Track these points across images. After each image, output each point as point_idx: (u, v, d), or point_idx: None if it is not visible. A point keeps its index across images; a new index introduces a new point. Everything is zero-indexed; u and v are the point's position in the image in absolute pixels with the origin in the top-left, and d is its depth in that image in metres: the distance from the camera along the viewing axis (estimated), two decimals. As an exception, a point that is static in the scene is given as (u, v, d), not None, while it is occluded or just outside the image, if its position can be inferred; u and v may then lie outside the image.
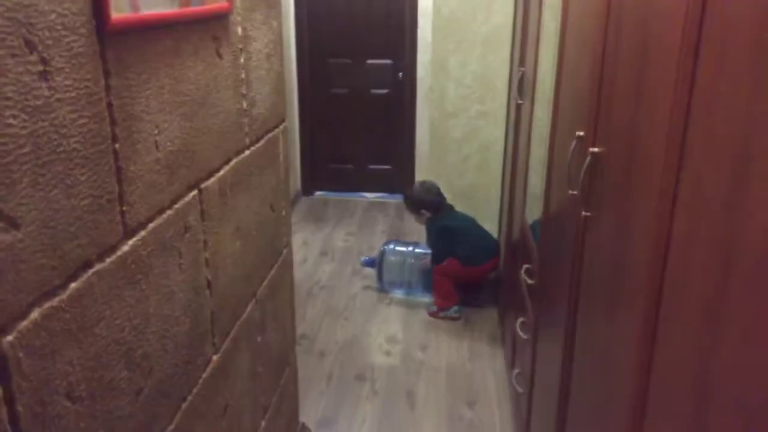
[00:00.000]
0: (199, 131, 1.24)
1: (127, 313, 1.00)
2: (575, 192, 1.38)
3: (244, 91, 1.50)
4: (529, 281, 2.11)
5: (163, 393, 1.14)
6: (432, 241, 3.28)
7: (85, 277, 0.88)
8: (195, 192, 1.25)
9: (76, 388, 0.87)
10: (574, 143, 1.42)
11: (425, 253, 3.37)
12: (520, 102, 2.68)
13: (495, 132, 3.29)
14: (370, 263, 3.52)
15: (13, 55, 0.72)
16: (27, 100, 0.74)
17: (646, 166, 0.95)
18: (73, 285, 0.85)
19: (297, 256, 3.90)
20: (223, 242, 1.41)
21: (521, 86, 2.64)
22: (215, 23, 1.29)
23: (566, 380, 1.52)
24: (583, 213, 1.32)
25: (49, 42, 0.78)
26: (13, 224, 0.73)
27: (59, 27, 0.79)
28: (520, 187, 2.61)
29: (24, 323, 0.76)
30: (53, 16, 0.78)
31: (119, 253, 0.97)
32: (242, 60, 1.48)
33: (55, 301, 0.81)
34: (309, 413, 2.41)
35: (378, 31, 4.77)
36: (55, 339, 0.82)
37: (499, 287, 3.22)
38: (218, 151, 1.35)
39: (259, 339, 1.73)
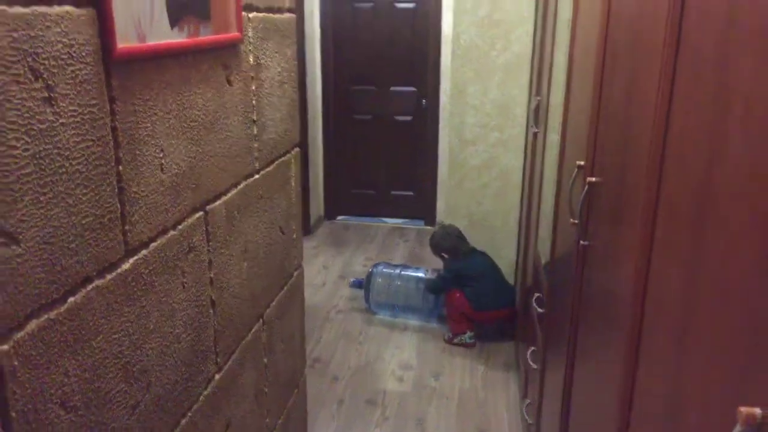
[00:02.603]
0: (207, 155, 1.29)
1: (126, 328, 1.04)
2: (575, 221, 1.39)
3: (255, 117, 1.56)
4: (539, 310, 2.10)
5: (162, 408, 1.17)
6: (444, 277, 3.28)
7: (84, 292, 0.92)
8: (200, 213, 1.29)
9: (71, 398, 0.90)
10: (575, 172, 1.43)
11: (415, 275, 3.44)
12: (535, 130, 2.69)
13: (513, 161, 3.30)
14: (358, 284, 3.60)
15: (18, 82, 0.77)
16: (31, 123, 0.79)
17: (631, 197, 0.97)
18: (71, 299, 0.90)
19: (316, 279, 3.94)
20: (229, 263, 1.45)
21: (537, 115, 2.66)
22: (225, 52, 1.35)
23: (566, 413, 1.51)
24: (581, 242, 1.33)
25: (55, 70, 0.83)
26: (13, 240, 0.78)
27: (65, 56, 0.85)
28: (534, 215, 2.61)
29: (20, 334, 0.80)
30: (59, 46, 0.84)
31: (119, 270, 1.01)
32: (253, 87, 1.53)
33: (52, 314, 0.86)
34: (318, 437, 2.42)
35: (402, 59, 4.85)
36: (52, 350, 0.86)
37: (517, 318, 3.20)
38: (226, 174, 1.40)
39: (265, 360, 1.76)
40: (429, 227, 4.94)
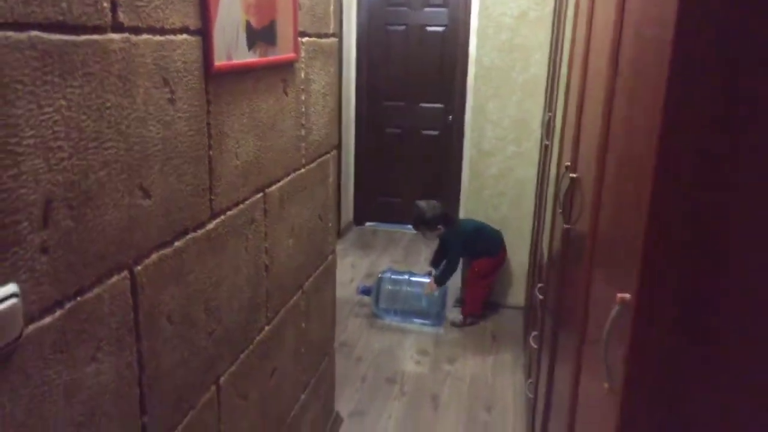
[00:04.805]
0: (267, 149, 1.65)
1: (208, 272, 1.39)
2: (560, 210, 1.71)
3: (303, 122, 1.91)
4: (540, 297, 2.41)
5: (228, 340, 1.52)
6: (457, 251, 3.60)
7: (184, 239, 1.28)
8: (261, 194, 1.65)
9: (173, 314, 1.25)
10: (563, 171, 1.75)
11: (422, 281, 3.61)
12: (547, 143, 3.01)
13: (529, 171, 3.62)
14: (367, 291, 3.74)
15: (155, 87, 1.13)
16: (161, 116, 1.15)
17: (587, 185, 1.29)
18: (177, 243, 1.25)
19: (344, 277, 4.28)
20: (279, 237, 1.80)
21: (548, 129, 2.98)
22: (284, 68, 1.71)
23: (550, 387, 1.82)
24: (565, 226, 1.65)
25: (176, 79, 1.19)
26: (147, 194, 1.13)
27: (182, 70, 1.21)
28: (542, 218, 2.92)
29: (148, 261, 1.15)
30: (179, 62, 1.20)
31: (206, 228, 1.37)
32: (303, 97, 1.89)
33: (166, 251, 1.21)
34: (343, 406, 2.74)
35: (431, 78, 5.20)
36: (163, 277, 1.21)
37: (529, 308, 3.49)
38: (280, 166, 1.75)
39: (303, 325, 2.10)
40: (451, 235, 5.25)
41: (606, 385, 0.87)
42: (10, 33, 0.80)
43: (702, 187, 0.73)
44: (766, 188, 0.71)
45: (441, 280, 3.55)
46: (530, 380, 2.64)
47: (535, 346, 2.43)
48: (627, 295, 0.83)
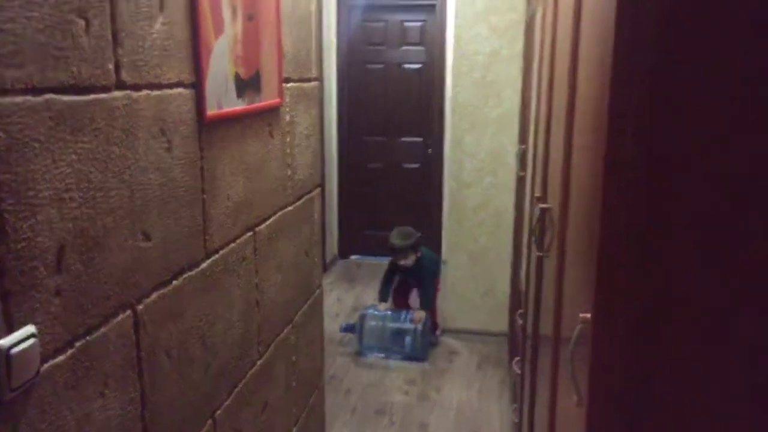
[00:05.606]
0: (256, 189, 1.74)
1: (203, 309, 1.46)
2: (534, 239, 1.81)
3: (289, 162, 2.01)
4: (521, 322, 2.50)
5: (224, 374, 1.58)
6: (435, 270, 3.97)
7: (181, 278, 1.35)
8: (251, 233, 1.73)
9: (171, 351, 1.32)
10: (534, 202, 1.86)
11: (406, 317, 3.68)
12: (521, 174, 3.14)
13: (505, 201, 3.74)
14: (349, 329, 3.78)
15: (154, 138, 1.22)
16: (159, 164, 1.24)
17: (559, 216, 1.40)
18: (174, 282, 1.33)
19: (331, 310, 4.33)
20: (269, 273, 1.88)
21: (522, 161, 3.11)
22: (270, 113, 1.82)
23: (532, 410, 1.90)
24: (538, 254, 1.75)
25: (172, 129, 1.28)
26: (148, 237, 1.21)
27: (178, 120, 1.30)
28: (519, 246, 3.02)
29: (148, 300, 1.23)
30: (175, 114, 1.29)
31: (201, 267, 1.44)
32: (288, 139, 1.99)
33: (165, 290, 1.29)
34: (334, 439, 2.79)
35: (409, 113, 5.36)
36: (162, 315, 1.28)
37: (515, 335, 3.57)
38: (268, 204, 1.84)
39: (293, 358, 2.16)
40: (435, 265, 5.35)
41: (575, 398, 0.96)
42: (28, 97, 0.89)
43: (650, 209, 0.83)
44: (708, 211, 0.82)
45: (427, 303, 3.76)
46: (515, 405, 2.71)
47: (519, 371, 2.51)
48: (587, 315, 0.92)
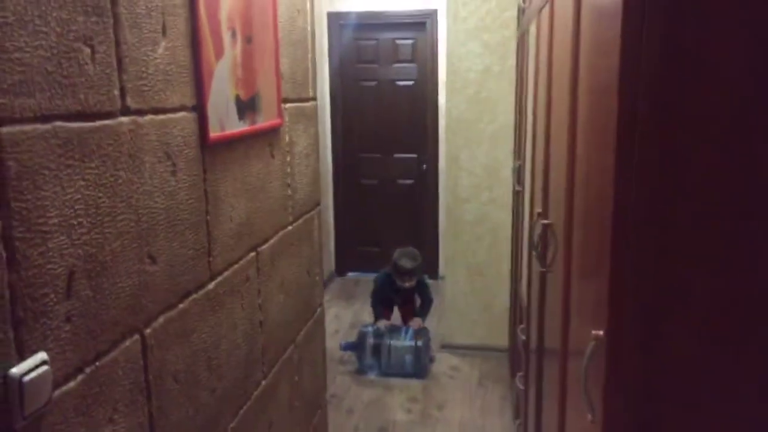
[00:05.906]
0: (258, 210, 1.74)
1: (208, 331, 1.46)
2: (535, 254, 1.82)
3: (289, 182, 2.02)
4: (523, 337, 2.50)
5: (229, 395, 1.57)
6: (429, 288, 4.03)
7: (187, 301, 1.35)
8: (254, 253, 1.73)
9: (178, 374, 1.32)
10: (535, 218, 1.87)
11: (407, 332, 3.68)
12: (518, 189, 3.15)
13: (502, 215, 3.75)
14: (350, 347, 3.76)
15: (159, 161, 1.23)
16: (164, 187, 1.24)
17: (563, 233, 1.40)
18: (180, 305, 1.32)
19: (330, 327, 4.31)
20: (271, 293, 1.88)
21: (519, 175, 3.13)
22: (271, 134, 1.82)
23: (538, 426, 1.89)
24: (541, 269, 1.75)
25: (177, 152, 1.29)
26: (153, 260, 1.21)
27: (182, 144, 1.31)
28: (519, 261, 3.03)
29: (155, 323, 1.22)
30: (179, 137, 1.30)
31: (206, 289, 1.44)
32: (288, 159, 2.00)
33: (171, 313, 1.28)
34: (337, 458, 2.76)
35: (403, 129, 5.39)
36: (169, 338, 1.28)
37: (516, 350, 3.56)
38: (270, 224, 1.84)
39: (296, 378, 2.15)
40: (432, 280, 5.34)
41: (589, 417, 0.96)
42: (37, 125, 0.90)
43: (661, 229, 0.84)
44: (722, 226, 0.82)
45: (424, 314, 3.92)
46: (518, 421, 2.70)
47: (522, 387, 2.50)
48: (600, 332, 0.93)
